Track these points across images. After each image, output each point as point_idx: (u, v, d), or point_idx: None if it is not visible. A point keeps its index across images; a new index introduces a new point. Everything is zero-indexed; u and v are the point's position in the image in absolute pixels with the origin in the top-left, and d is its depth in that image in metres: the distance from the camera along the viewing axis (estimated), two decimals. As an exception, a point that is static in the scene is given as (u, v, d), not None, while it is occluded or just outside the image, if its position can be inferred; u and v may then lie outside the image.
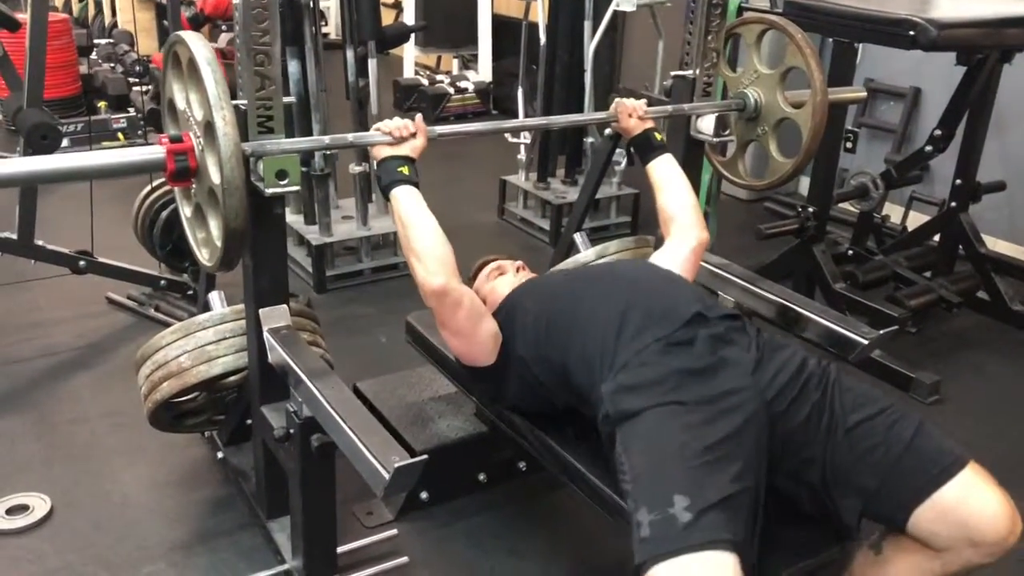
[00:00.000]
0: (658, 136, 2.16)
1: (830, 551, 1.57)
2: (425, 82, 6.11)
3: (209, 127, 1.62)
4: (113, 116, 4.92)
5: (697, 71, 2.29)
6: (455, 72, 6.57)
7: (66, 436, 2.53)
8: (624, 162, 4.08)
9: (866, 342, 1.99)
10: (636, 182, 4.21)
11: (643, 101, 2.16)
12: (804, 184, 4.78)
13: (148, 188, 3.22)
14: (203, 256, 1.88)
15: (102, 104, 4.98)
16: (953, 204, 3.42)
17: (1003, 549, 1.46)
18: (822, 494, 1.56)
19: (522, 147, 4.20)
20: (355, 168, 3.52)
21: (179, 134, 1.72)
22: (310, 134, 3.37)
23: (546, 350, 1.76)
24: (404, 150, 1.82)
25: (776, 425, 1.54)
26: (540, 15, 4.06)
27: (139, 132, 4.92)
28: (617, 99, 2.17)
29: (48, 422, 2.60)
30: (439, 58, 7.02)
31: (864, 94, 2.73)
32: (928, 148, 3.21)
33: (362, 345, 3.09)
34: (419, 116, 1.87)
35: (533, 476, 2.37)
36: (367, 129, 3.55)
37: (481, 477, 2.34)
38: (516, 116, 4.44)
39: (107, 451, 2.47)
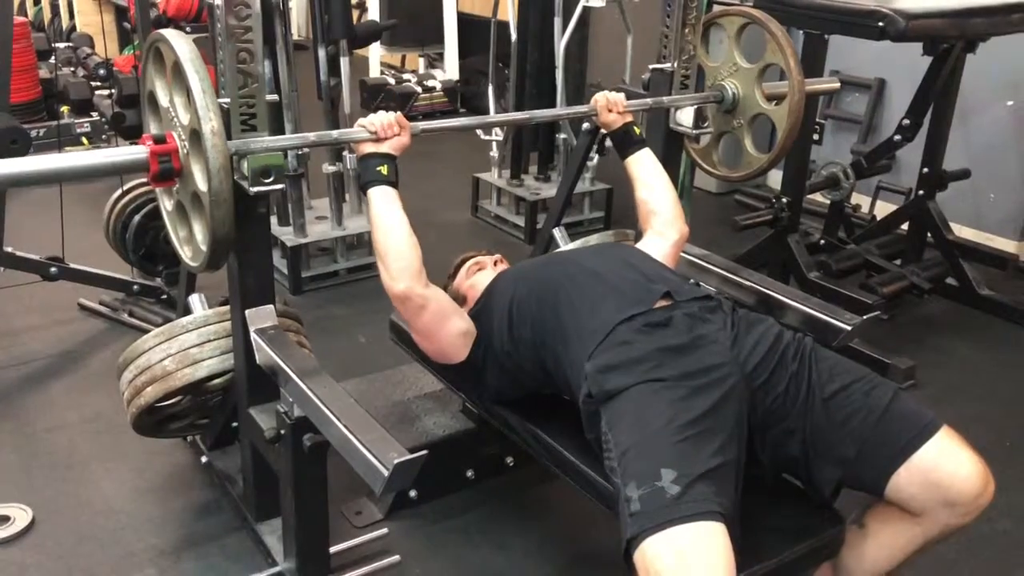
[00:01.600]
0: (636, 130, 2.16)
1: (825, 534, 1.59)
2: (392, 81, 6.08)
3: (195, 134, 1.60)
4: (76, 120, 4.83)
5: (675, 64, 2.30)
6: (421, 71, 6.55)
7: (44, 445, 2.49)
8: (596, 157, 4.09)
9: (848, 328, 2.02)
10: (609, 177, 4.24)
11: (622, 95, 2.16)
12: (773, 176, 4.85)
13: (119, 192, 3.18)
14: (185, 254, 1.86)
15: (64, 108, 4.88)
16: (920, 192, 3.49)
17: (977, 508, 1.52)
18: (802, 465, 1.60)
19: (494, 144, 4.21)
20: (328, 168, 3.50)
21: (162, 134, 1.69)
22: (283, 135, 3.35)
23: (524, 335, 1.79)
24: (386, 148, 1.81)
25: (756, 397, 1.57)
26: (510, 13, 4.06)
27: (103, 136, 4.84)
28: (596, 93, 2.16)
29: (25, 431, 2.55)
30: (404, 57, 6.99)
31: (837, 85, 2.77)
32: (897, 137, 3.27)
33: (342, 346, 3.08)
34: (398, 113, 1.84)
35: (521, 471, 2.38)
36: (340, 128, 3.56)
37: (469, 474, 2.34)
38: (486, 114, 4.44)
39: (87, 458, 2.43)
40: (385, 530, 2.13)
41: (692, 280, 1.84)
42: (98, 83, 5.06)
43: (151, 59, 1.76)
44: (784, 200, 3.19)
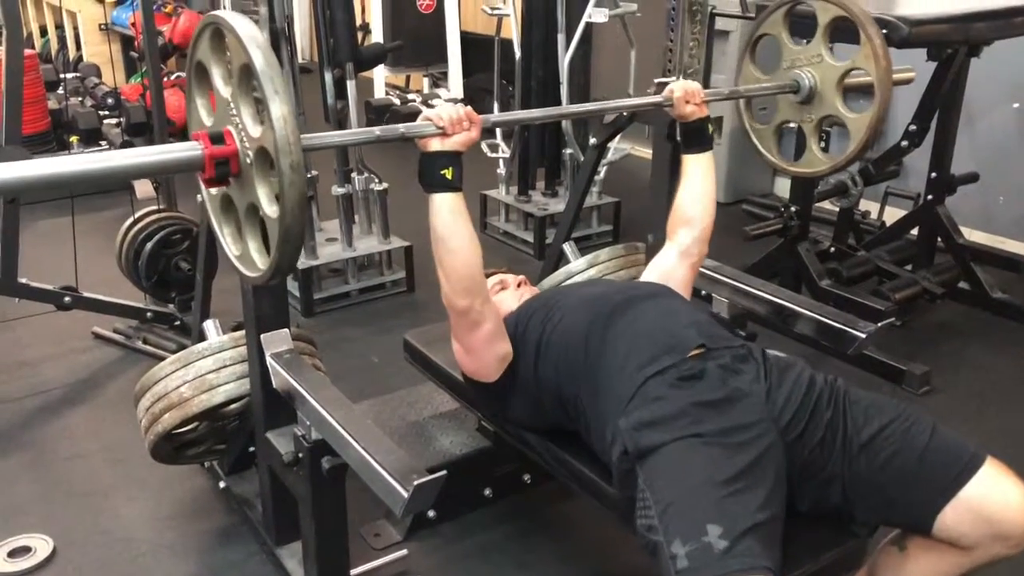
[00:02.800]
0: (710, 128, 2.03)
1: (847, 545, 1.58)
2: (397, 102, 6.11)
3: (264, 153, 1.37)
4: (86, 151, 4.87)
5: (679, 77, 2.31)
6: (426, 91, 6.58)
7: (64, 474, 2.50)
8: (604, 170, 4.10)
9: (863, 335, 2.02)
10: (617, 190, 4.26)
11: (699, 85, 2.01)
12: (779, 185, 4.86)
13: (131, 220, 3.21)
14: (231, 251, 1.60)
15: (73, 139, 4.93)
16: (930, 197, 3.48)
17: None
18: (844, 512, 1.57)
19: (501, 161, 4.23)
20: (337, 190, 3.52)
21: (219, 131, 1.43)
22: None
23: (548, 375, 1.76)
24: (453, 144, 1.62)
25: (792, 451, 1.54)
26: (514, 30, 4.09)
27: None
28: (673, 82, 2.02)
29: (44, 461, 2.56)
30: (408, 77, 7.04)
31: (913, 75, 2.72)
32: (904, 143, 3.26)
33: (355, 367, 3.08)
34: (468, 107, 1.66)
35: (539, 488, 2.37)
36: (346, 154, 3.58)
37: (487, 492, 2.33)
38: (491, 132, 4.46)
39: (106, 487, 2.44)
40: (405, 551, 2.13)
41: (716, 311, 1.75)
42: (106, 112, 5.12)
43: (207, 36, 1.46)
44: (793, 208, 3.19)
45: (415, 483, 1.44)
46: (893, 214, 3.99)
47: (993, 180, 3.87)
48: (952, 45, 2.99)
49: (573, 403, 1.72)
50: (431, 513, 2.25)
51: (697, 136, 2.02)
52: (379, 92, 6.49)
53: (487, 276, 2.08)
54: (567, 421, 1.78)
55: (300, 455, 1.81)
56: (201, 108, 1.53)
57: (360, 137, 1.70)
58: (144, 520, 2.32)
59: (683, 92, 1.96)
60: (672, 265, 1.99)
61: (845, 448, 1.55)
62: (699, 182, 2.01)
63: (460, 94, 6.25)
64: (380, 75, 6.51)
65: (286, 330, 1.93)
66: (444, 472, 1.47)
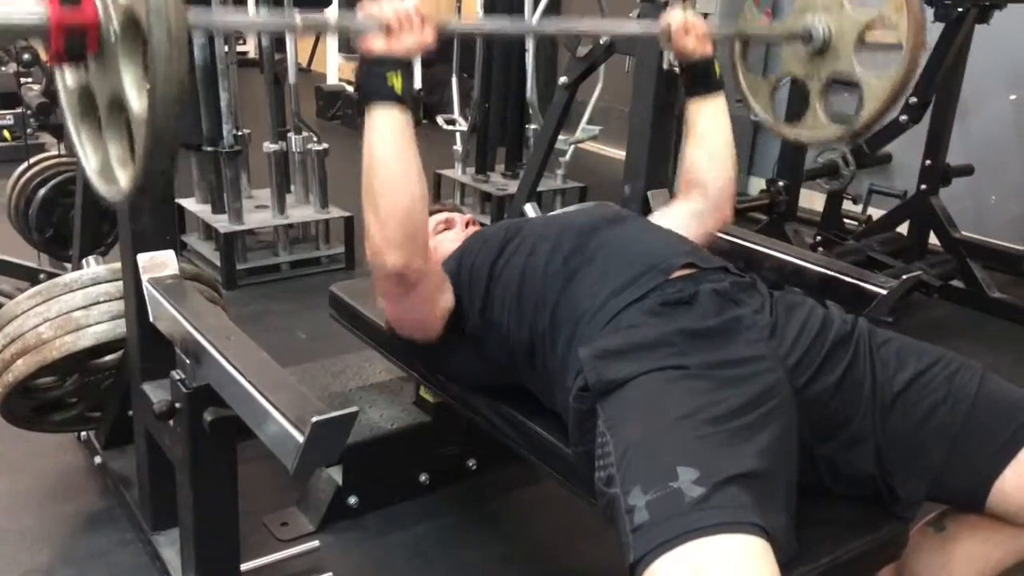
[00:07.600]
0: (718, 69, 1.66)
1: (885, 529, 1.21)
2: (350, 88, 5.76)
3: (133, 24, 1.00)
4: (-6, 114, 4.46)
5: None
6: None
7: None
8: (571, 150, 3.78)
9: (884, 292, 1.67)
10: (582, 175, 3.93)
11: (701, 18, 1.65)
12: (753, 185, 4.57)
13: (24, 166, 2.78)
14: (87, 161, 1.22)
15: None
16: (923, 187, 3.20)
17: None
18: (881, 483, 1.21)
19: (457, 136, 3.87)
20: (270, 146, 3.13)
21: None
22: (216, 107, 2.98)
23: (498, 323, 1.39)
24: (401, 49, 1.26)
25: (805, 399, 1.19)
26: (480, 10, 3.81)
27: (29, 130, 4.43)
28: (669, 9, 1.64)
29: None
30: (364, 68, 6.71)
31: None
32: (903, 118, 2.95)
33: (277, 342, 2.66)
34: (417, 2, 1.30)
35: (485, 476, 1.99)
36: (283, 109, 3.20)
37: (423, 478, 1.94)
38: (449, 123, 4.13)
39: (-46, 462, 2.00)
40: (316, 543, 1.72)
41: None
42: (25, 74, 4.69)
43: None
44: (781, 183, 2.87)
45: (313, 420, 1.04)
46: (878, 215, 3.70)
47: (985, 178, 3.59)
48: (963, 3, 2.70)
49: (528, 350, 1.35)
50: (352, 499, 1.85)
51: (703, 79, 1.63)
52: (332, 80, 6.17)
53: (431, 213, 1.70)
54: (520, 375, 1.41)
55: (177, 405, 1.40)
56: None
57: (273, 23, 1.31)
58: (-4, 501, 1.88)
59: (683, 22, 1.59)
60: (681, 227, 1.56)
61: (875, 398, 1.21)
62: (714, 136, 1.62)
63: (418, 84, 5.92)
64: (334, 62, 6.20)
65: (171, 252, 1.52)
66: (355, 409, 1.08)
